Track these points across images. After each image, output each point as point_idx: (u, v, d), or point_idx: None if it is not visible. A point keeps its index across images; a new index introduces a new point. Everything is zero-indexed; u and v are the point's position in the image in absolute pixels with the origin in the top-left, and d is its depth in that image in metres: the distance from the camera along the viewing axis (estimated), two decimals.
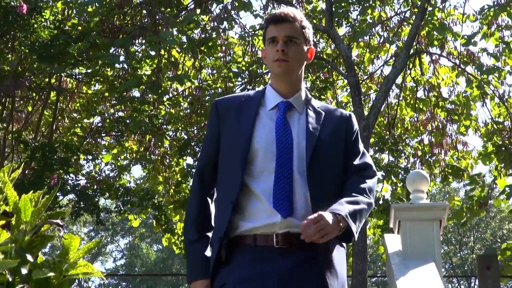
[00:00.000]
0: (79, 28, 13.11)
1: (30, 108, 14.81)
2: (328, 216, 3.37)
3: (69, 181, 13.63)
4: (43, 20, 12.73)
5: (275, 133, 3.66)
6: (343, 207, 3.49)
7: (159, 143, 15.05)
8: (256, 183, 3.60)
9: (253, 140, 3.65)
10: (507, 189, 14.54)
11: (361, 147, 3.82)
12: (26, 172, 12.46)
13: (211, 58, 14.72)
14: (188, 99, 14.86)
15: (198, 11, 14.07)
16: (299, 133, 3.68)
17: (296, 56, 3.70)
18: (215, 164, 3.77)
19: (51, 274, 3.43)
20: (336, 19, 13.95)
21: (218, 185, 3.77)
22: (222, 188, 3.73)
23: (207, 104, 14.20)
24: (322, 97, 14.92)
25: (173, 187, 15.22)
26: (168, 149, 15.25)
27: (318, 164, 3.61)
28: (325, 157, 3.65)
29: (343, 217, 3.42)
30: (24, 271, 3.34)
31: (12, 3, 12.07)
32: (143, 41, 13.33)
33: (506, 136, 14.79)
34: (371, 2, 14.70)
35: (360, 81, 14.14)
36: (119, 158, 15.48)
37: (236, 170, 3.62)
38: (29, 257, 3.45)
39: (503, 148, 14.51)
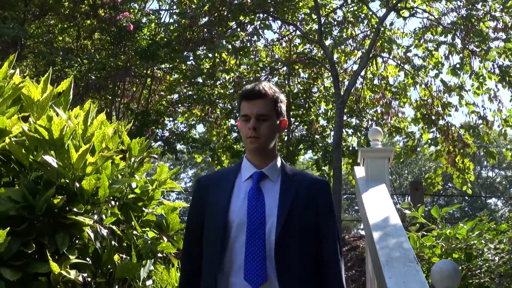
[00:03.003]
0: (165, 39, 13.06)
1: (134, 89, 14.83)
2: None
3: (158, 133, 13.68)
4: (142, 34, 12.72)
5: (247, 204, 2.54)
6: None
7: (214, 111, 15.05)
8: (232, 257, 2.49)
9: (229, 212, 2.54)
10: (428, 141, 14.52)
11: (332, 221, 2.64)
12: (132, 128, 12.47)
13: (246, 58, 14.63)
14: (232, 84, 14.81)
15: (238, 29, 13.99)
16: (272, 203, 2.55)
17: (268, 131, 2.59)
18: (199, 241, 2.65)
19: (150, 187, 3.45)
20: (324, 35, 13.81)
21: (204, 253, 2.62)
22: (207, 260, 2.59)
23: (244, 87, 14.14)
24: (315, 83, 14.95)
25: (222, 138, 15.19)
26: (219, 114, 15.21)
27: (287, 237, 2.49)
28: (295, 228, 2.52)
29: None
30: (133, 185, 3.36)
31: (123, 24, 12.08)
32: (204, 48, 13.26)
33: (429, 108, 14.66)
34: (346, 25, 14.63)
35: (339, 74, 14.01)
36: (189, 120, 15.48)
37: (216, 243, 2.53)
38: (137, 177, 3.47)
39: (427, 116, 14.45)
